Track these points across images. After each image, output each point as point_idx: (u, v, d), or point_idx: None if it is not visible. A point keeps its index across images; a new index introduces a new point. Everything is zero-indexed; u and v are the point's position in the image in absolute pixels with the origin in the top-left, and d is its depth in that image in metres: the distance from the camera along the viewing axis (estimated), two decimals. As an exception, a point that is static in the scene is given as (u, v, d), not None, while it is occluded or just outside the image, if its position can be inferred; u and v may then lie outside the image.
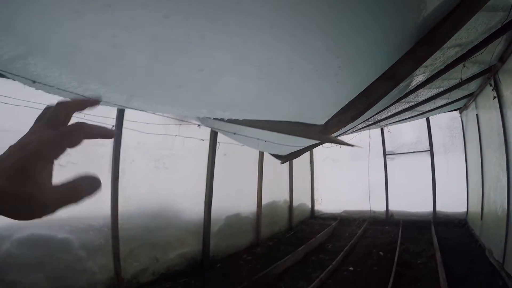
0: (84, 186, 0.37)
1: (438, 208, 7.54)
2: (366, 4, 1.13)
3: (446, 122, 7.63)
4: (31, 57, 1.12)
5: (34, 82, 1.67)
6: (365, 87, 1.52)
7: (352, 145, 3.55)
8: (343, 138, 7.34)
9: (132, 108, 1.78)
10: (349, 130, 4.14)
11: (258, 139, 2.51)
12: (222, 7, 0.78)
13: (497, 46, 3.40)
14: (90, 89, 1.22)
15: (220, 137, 5.11)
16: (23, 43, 1.02)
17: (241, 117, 1.53)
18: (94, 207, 3.92)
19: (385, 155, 8.48)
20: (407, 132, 8.31)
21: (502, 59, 3.80)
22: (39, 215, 0.35)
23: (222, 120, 1.62)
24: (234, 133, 2.44)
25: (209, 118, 1.88)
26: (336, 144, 7.76)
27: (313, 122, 1.66)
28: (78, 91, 1.25)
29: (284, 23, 0.94)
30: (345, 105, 1.58)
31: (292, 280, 4.50)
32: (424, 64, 1.83)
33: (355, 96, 1.55)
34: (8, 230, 3.33)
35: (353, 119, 1.53)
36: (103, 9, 0.79)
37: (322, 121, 1.65)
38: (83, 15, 0.82)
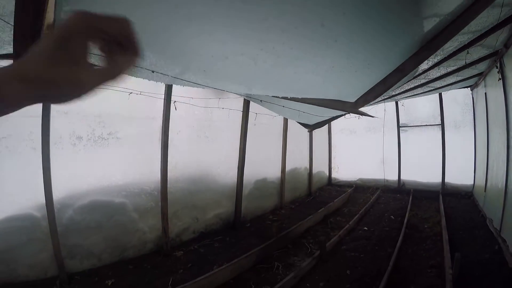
0: (120, 63, 0.41)
1: (446, 180, 8.20)
2: (389, 28, 2.04)
3: (459, 98, 8.04)
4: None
5: (153, 72, 2.53)
6: (383, 77, 2.47)
7: (372, 116, 4.46)
8: (362, 109, 8.14)
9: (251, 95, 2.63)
10: (370, 103, 4.87)
11: (299, 111, 3.43)
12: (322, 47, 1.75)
13: (500, 35, 3.77)
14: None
15: (251, 108, 5.87)
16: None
17: (303, 96, 2.51)
18: (147, 173, 4.48)
19: (399, 127, 9.08)
20: (421, 107, 8.77)
21: (506, 45, 4.24)
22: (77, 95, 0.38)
23: (285, 98, 2.58)
24: (283, 106, 3.31)
25: (268, 95, 2.81)
26: (356, 115, 8.52)
27: (347, 100, 2.65)
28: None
29: (346, 45, 1.90)
30: (369, 89, 2.58)
31: (313, 237, 5.29)
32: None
33: (376, 83, 2.52)
34: (71, 198, 3.75)
35: (375, 98, 2.52)
36: (260, 44, 1.74)
37: (353, 99, 2.64)
38: (247, 43, 1.74)
